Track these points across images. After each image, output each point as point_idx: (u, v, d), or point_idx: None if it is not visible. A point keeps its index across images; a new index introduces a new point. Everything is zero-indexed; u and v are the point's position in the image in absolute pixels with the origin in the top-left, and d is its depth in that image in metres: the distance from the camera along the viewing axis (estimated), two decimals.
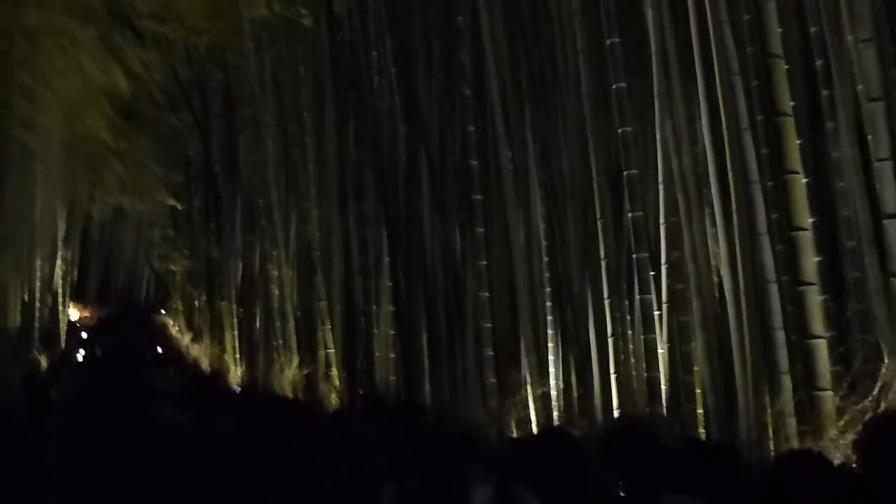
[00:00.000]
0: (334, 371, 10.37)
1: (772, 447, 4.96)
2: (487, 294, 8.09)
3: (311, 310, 11.41)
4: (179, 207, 18.99)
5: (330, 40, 10.46)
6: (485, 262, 8.17)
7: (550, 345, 7.92)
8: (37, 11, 13.34)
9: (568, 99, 7.97)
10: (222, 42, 14.27)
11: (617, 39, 6.86)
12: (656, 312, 6.70)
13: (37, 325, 15.65)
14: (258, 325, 13.11)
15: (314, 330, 11.17)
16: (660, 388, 6.60)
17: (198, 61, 16.27)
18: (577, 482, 2.95)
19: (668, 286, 6.54)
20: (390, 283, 9.33)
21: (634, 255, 6.77)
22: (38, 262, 16.33)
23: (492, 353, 7.99)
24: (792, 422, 4.93)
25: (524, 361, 8.17)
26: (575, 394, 7.67)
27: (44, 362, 14.01)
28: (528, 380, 8.09)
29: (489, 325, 8.05)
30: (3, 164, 12.74)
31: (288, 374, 11.09)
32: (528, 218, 8.61)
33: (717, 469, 3.23)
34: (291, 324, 11.79)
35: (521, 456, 4.03)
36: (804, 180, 5.41)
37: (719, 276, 6.26)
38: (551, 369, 7.89)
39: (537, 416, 7.90)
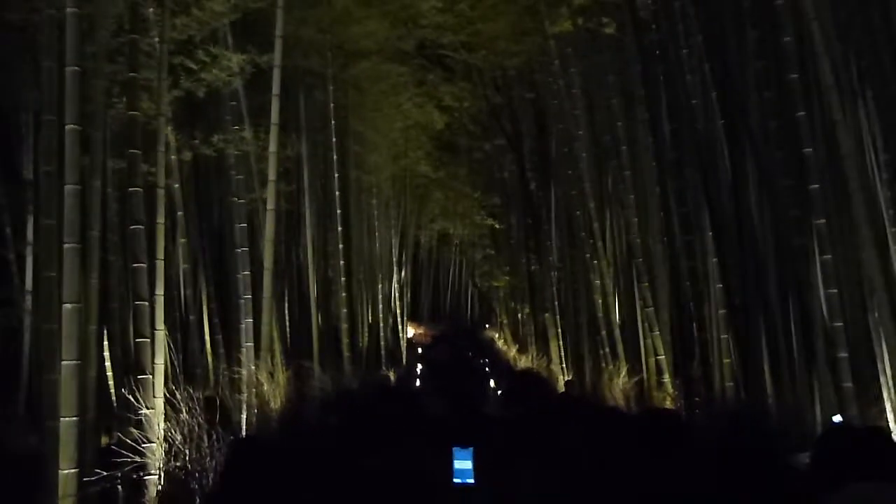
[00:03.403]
0: (666, 378, 10.14)
1: None
2: (836, 290, 7.41)
3: (636, 317, 11.32)
4: (498, 227, 19.95)
5: (637, 45, 10.32)
6: (829, 257, 7.49)
7: None
8: (363, 61, 14.85)
9: None
10: (529, 63, 14.79)
11: None
12: None
13: (382, 343, 17.21)
14: (583, 334, 13.25)
15: (641, 337, 11.04)
16: None
17: (506, 85, 17.03)
18: None
19: None
20: (720, 286, 8.93)
21: None
22: (379, 287, 17.97)
23: (846, 356, 7.28)
24: None
25: (882, 364, 7.38)
26: None
27: (391, 376, 15.37)
28: (891, 384, 7.30)
29: (840, 323, 7.36)
30: (346, 200, 14.23)
31: (618, 383, 11.06)
32: (873, 204, 7.83)
33: None
34: (617, 332, 11.75)
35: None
36: None
37: None
38: None
39: None
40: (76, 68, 5.30)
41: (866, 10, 7.93)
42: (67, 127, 5.25)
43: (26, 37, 9.07)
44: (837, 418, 6.99)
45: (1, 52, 9.61)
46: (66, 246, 5.35)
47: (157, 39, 8.21)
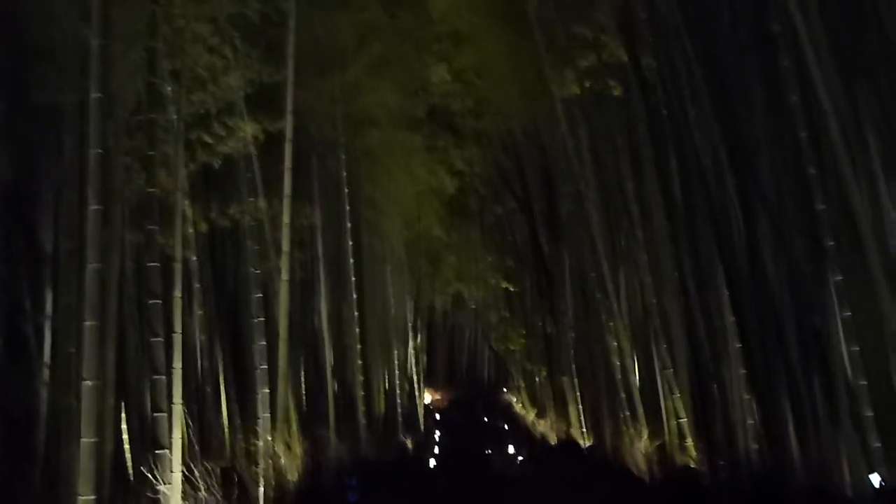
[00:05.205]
0: (689, 441, 9.97)
1: None
2: (858, 347, 7.33)
3: (655, 378, 11.19)
4: (512, 289, 19.89)
5: (644, 106, 10.45)
6: (849, 314, 7.43)
7: None
8: (374, 129, 15.09)
9: None
10: (536, 126, 14.97)
11: None
12: None
13: (399, 409, 17.02)
14: (602, 397, 13.09)
15: (661, 399, 10.89)
16: None
17: (515, 148, 17.19)
18: None
19: None
20: (739, 345, 8.86)
21: None
22: (395, 353, 17.86)
23: (871, 415, 7.16)
24: None
25: None
26: None
27: (409, 444, 15.17)
28: None
29: (864, 382, 7.26)
30: (360, 267, 14.28)
31: (639, 447, 10.87)
32: (889, 258, 7.81)
33: None
34: (637, 394, 11.60)
35: None
36: None
37: None
38: None
39: None
40: (99, 150, 5.41)
41: (870, 68, 8.04)
42: (90, 208, 5.33)
43: (48, 114, 9.28)
44: (875, 478, 6.83)
45: (23, 128, 9.81)
46: (86, 324, 5.39)
47: (174, 116, 8.39)
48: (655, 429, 10.95)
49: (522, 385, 21.02)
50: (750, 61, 8.90)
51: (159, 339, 6.31)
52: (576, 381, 14.61)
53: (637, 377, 11.89)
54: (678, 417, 10.17)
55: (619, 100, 11.83)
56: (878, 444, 7.09)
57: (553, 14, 12.03)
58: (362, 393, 13.22)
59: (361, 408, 13.08)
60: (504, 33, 13.41)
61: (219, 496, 5.76)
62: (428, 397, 23.62)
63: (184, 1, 8.72)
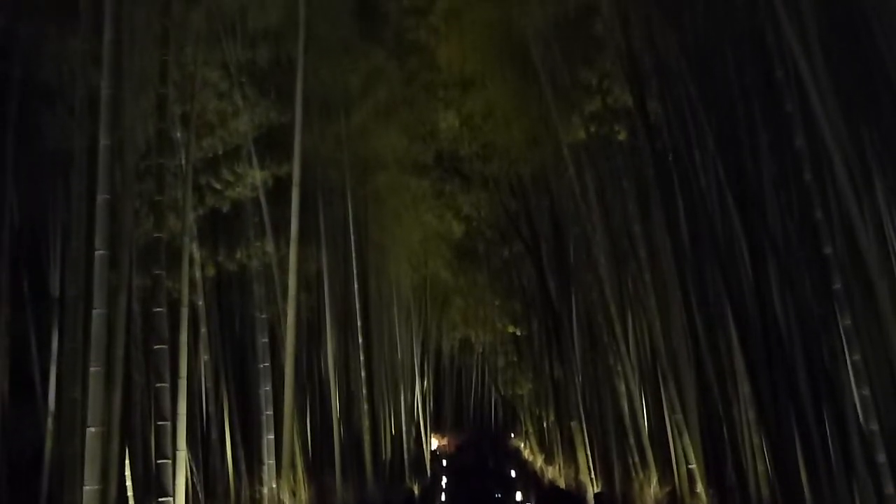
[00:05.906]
0: (699, 488, 9.81)
1: None
2: (868, 392, 7.24)
3: (664, 423, 11.06)
4: (519, 333, 19.81)
5: (650, 149, 10.51)
6: (859, 357, 7.36)
7: None
8: (382, 174, 15.21)
9: None
10: (543, 170, 15.05)
11: None
12: None
13: (405, 455, 16.87)
14: (611, 441, 12.95)
15: (671, 444, 10.75)
16: None
17: (522, 192, 17.26)
18: None
19: None
20: (749, 388, 8.77)
21: None
22: (402, 397, 17.76)
23: (885, 460, 7.05)
24: None
25: None
26: None
27: (416, 490, 15.00)
28: None
29: (876, 427, 7.15)
30: (366, 310, 14.27)
31: (649, 493, 10.71)
32: None
33: None
34: (646, 439, 11.46)
35: None
36: None
37: None
38: None
39: None
40: (107, 196, 5.45)
41: (875, 110, 8.07)
42: (97, 253, 5.35)
43: (57, 157, 9.37)
44: None
45: (31, 171, 9.89)
46: (91, 369, 5.37)
47: (183, 161, 8.47)
48: (665, 474, 10.81)
49: (530, 430, 20.82)
50: (754, 105, 8.96)
51: (165, 384, 6.28)
52: (584, 425, 14.46)
53: (646, 421, 11.76)
54: (688, 463, 10.03)
55: (625, 144, 11.91)
56: (892, 491, 6.96)
57: (559, 60, 12.17)
58: (369, 437, 13.10)
59: (368, 453, 12.97)
60: (510, 79, 13.57)
61: None
62: (435, 443, 23.40)
63: (194, 47, 8.86)
